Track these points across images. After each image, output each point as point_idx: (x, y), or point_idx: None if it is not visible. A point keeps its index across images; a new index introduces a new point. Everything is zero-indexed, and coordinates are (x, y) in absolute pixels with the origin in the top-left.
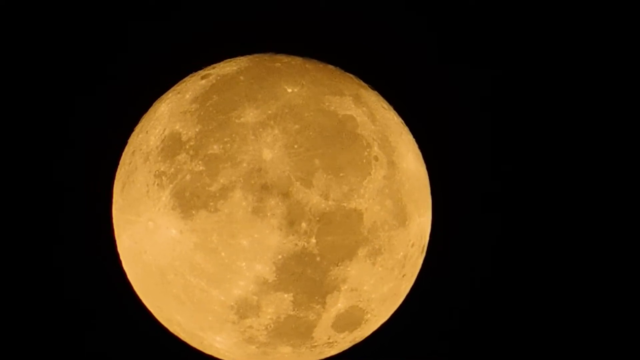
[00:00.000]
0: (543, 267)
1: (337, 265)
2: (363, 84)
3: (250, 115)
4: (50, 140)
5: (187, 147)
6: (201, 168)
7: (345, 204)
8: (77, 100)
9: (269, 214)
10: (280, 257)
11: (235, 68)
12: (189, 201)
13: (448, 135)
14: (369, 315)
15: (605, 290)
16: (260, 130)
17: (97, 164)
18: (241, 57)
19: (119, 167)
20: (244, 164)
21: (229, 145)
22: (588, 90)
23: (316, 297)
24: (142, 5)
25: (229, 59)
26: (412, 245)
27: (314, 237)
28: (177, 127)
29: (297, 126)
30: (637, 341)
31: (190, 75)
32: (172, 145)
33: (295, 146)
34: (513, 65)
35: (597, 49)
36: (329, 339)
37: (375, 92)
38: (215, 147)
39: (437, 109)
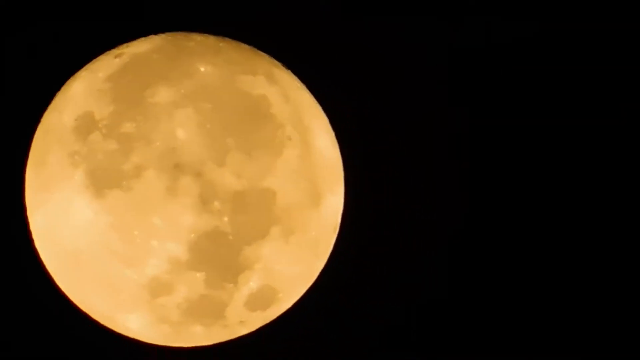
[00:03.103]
0: (450, 244)
1: (250, 245)
2: (276, 62)
3: (163, 94)
4: None
5: (100, 126)
6: (114, 147)
7: (258, 184)
8: None
9: (182, 193)
10: (193, 235)
11: (148, 47)
12: (103, 180)
13: (361, 115)
14: (281, 295)
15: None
16: (174, 109)
17: (10, 143)
18: (154, 36)
19: (32, 146)
20: (157, 143)
21: (142, 124)
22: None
23: (229, 276)
24: None
25: (142, 38)
26: (325, 225)
27: (226, 216)
28: (90, 106)
29: (210, 105)
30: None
31: (104, 53)
32: (86, 124)
33: (208, 125)
34: (424, 43)
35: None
36: (241, 318)
37: (289, 72)
38: (128, 126)
39: (350, 88)
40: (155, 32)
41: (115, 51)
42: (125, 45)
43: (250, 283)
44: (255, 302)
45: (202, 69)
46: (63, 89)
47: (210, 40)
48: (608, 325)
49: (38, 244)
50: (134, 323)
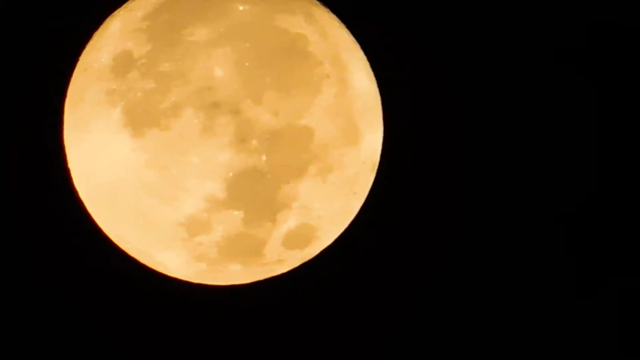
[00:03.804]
0: (487, 185)
1: (288, 183)
2: (315, 1)
3: (201, 33)
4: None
5: (139, 64)
6: (152, 86)
7: (296, 122)
8: (28, 17)
9: (219, 132)
10: (231, 174)
11: None
12: (141, 119)
13: (399, 54)
14: (319, 233)
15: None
16: (212, 48)
17: (49, 82)
18: None
19: (70, 84)
20: (195, 82)
21: (180, 63)
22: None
23: (267, 215)
24: None
25: None
26: (363, 163)
27: (264, 155)
28: (128, 45)
29: (248, 44)
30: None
31: None
32: (124, 63)
33: (247, 64)
34: None
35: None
36: (279, 256)
37: (327, 10)
38: (166, 64)
39: (389, 27)
40: None
41: None
42: None
43: (289, 221)
44: (293, 240)
45: (240, 8)
46: (101, 27)
47: None
48: (607, 325)
49: (76, 181)
50: (171, 261)
